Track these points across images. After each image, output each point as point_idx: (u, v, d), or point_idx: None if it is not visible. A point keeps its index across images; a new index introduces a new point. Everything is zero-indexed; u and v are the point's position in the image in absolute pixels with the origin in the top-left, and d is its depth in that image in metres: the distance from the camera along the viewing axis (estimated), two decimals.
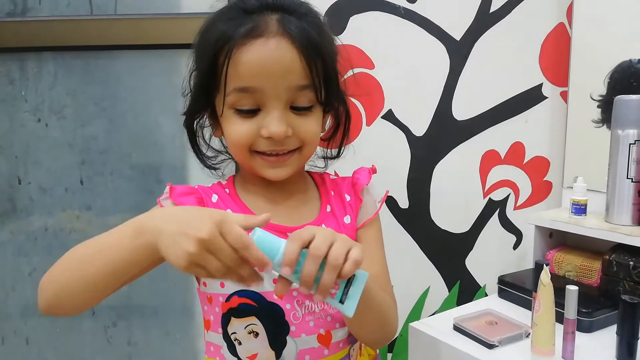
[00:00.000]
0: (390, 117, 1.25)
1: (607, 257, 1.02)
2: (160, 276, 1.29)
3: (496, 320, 0.93)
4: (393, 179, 1.27)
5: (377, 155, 1.24)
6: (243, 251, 0.48)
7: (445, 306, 1.31)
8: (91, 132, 1.24)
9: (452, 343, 0.88)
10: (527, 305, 1.00)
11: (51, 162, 1.24)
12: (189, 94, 0.70)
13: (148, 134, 1.24)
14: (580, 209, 1.11)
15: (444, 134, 1.27)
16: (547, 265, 0.84)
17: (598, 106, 1.17)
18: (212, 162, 0.78)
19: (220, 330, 0.68)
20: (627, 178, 1.03)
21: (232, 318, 0.65)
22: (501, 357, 0.83)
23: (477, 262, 1.32)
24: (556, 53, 1.26)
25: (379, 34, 1.21)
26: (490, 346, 0.85)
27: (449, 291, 1.32)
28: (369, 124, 1.25)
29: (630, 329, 0.81)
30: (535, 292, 0.85)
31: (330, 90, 0.68)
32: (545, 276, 0.76)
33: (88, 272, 0.56)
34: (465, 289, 1.32)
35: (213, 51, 0.62)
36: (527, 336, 0.87)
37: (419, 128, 1.26)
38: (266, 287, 0.63)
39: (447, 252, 1.31)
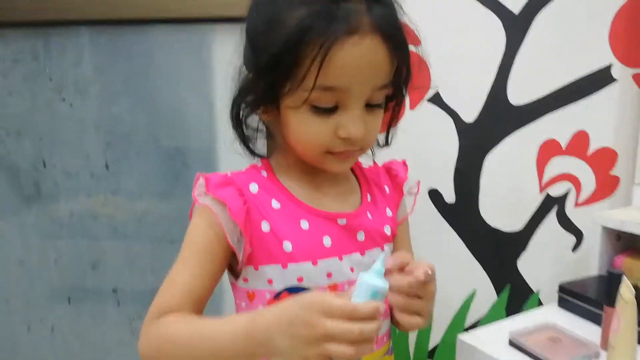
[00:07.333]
0: (437, 100, 1.16)
1: None
2: None
3: (559, 337, 0.81)
4: (438, 170, 1.19)
5: (422, 143, 1.17)
6: (354, 317, 0.48)
7: (492, 313, 1.21)
8: (117, 113, 1.19)
9: None
10: (593, 318, 0.88)
11: (76, 144, 1.20)
12: (245, 78, 0.65)
13: (176, 115, 1.19)
14: None
15: (497, 120, 1.17)
16: (623, 275, 0.71)
17: None
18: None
19: None
20: None
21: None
22: None
23: (530, 264, 1.21)
24: (629, 29, 1.12)
25: (426, 7, 1.11)
26: None
27: (498, 296, 1.22)
28: (412, 107, 1.16)
29: None
30: (608, 305, 0.74)
31: (401, 84, 0.66)
32: (627, 291, 0.64)
33: None
34: (516, 294, 1.22)
35: (295, 42, 0.56)
36: (597, 358, 0.75)
37: (469, 113, 1.17)
38: (320, 282, 0.63)
39: (497, 253, 1.21)
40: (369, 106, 0.62)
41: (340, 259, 0.65)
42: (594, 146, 1.17)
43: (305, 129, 0.61)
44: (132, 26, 1.15)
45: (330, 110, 0.59)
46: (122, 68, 1.16)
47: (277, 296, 0.64)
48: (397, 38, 0.60)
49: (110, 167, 1.20)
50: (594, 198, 1.19)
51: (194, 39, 1.16)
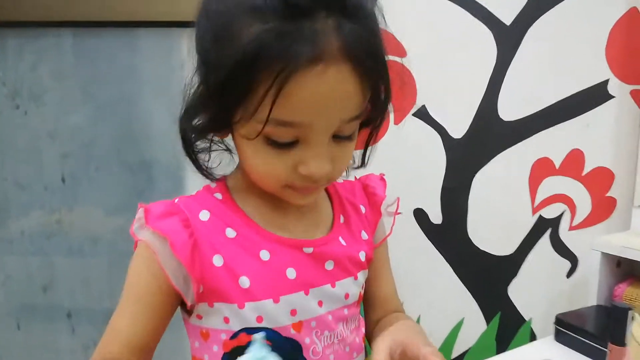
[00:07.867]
0: (423, 114, 1.13)
1: None
2: None
3: None
4: (424, 188, 1.15)
5: (406, 160, 1.15)
6: None
7: (482, 342, 1.16)
8: (75, 122, 1.12)
9: None
10: (593, 354, 0.82)
11: (30, 155, 1.12)
12: (194, 93, 0.55)
13: (140, 126, 1.12)
14: None
15: (487, 136, 1.14)
16: (630, 310, 0.64)
17: None
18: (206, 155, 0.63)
19: None
20: None
21: (239, 358, 0.52)
22: None
23: (522, 291, 1.17)
24: (627, 44, 1.10)
25: (413, 16, 1.09)
26: None
27: (487, 324, 1.17)
28: (397, 122, 1.13)
29: None
30: (613, 342, 0.66)
31: (380, 107, 0.57)
32: None
33: None
34: (506, 322, 1.17)
35: (246, 66, 0.47)
36: None
37: (458, 129, 1.14)
38: (283, 322, 0.56)
39: (487, 278, 1.17)
40: (337, 137, 0.53)
41: (307, 293, 0.56)
42: (589, 166, 1.15)
43: (260, 162, 0.52)
44: (95, 29, 1.08)
45: (290, 145, 0.51)
46: (83, 73, 1.10)
47: (234, 337, 0.55)
48: (371, 63, 0.49)
49: (66, 180, 1.12)
50: (589, 221, 1.16)
51: (163, 43, 1.10)
